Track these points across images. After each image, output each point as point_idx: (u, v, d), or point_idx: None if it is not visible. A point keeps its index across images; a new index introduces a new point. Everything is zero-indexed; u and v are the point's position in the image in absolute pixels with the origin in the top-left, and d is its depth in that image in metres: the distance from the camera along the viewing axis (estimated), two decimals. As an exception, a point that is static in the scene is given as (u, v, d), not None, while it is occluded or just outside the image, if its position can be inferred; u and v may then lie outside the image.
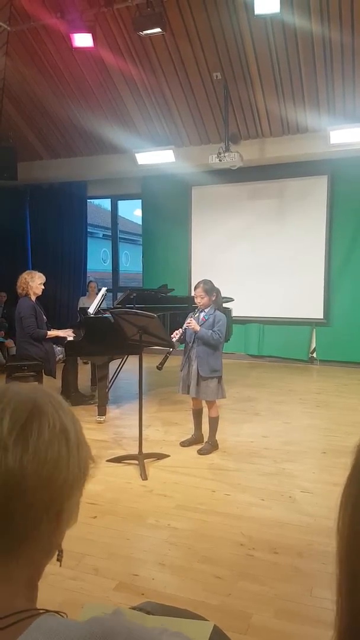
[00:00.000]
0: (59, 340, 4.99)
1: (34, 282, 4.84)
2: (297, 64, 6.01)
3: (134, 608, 0.96)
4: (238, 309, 6.30)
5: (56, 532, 0.62)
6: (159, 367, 3.61)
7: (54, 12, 5.96)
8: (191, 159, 7.32)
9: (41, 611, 0.57)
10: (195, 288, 3.97)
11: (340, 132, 6.32)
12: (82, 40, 5.66)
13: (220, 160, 6.38)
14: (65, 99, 7.28)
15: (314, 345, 7.64)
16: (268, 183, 7.62)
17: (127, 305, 5.09)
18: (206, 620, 0.95)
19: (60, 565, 0.66)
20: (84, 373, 6.00)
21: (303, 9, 5.39)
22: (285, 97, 6.42)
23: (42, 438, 0.59)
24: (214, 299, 3.95)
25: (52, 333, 4.88)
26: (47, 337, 4.81)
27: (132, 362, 5.25)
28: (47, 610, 0.57)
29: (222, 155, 6.36)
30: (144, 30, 5.40)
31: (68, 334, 4.95)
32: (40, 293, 4.92)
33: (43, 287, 4.93)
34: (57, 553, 0.65)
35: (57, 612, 0.58)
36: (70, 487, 0.61)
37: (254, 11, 5.00)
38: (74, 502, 0.64)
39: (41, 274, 4.93)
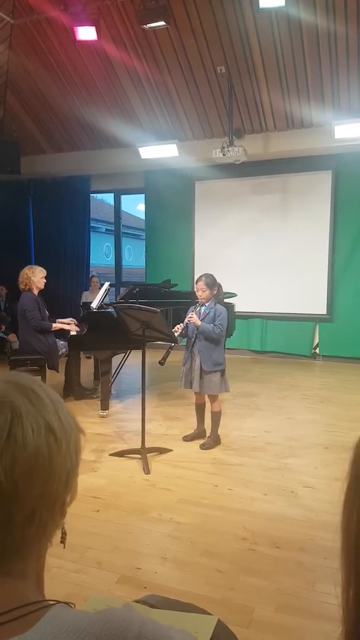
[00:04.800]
0: (62, 334, 5.00)
1: (36, 277, 4.85)
2: (301, 58, 5.97)
3: (137, 601, 0.97)
4: (241, 304, 6.30)
5: (61, 519, 0.63)
6: (162, 362, 3.62)
7: (57, 4, 5.91)
8: (195, 154, 7.28)
9: (51, 602, 0.57)
10: (197, 282, 3.97)
11: (344, 126, 6.26)
12: (86, 33, 5.63)
13: (224, 155, 6.34)
14: (69, 92, 7.25)
15: (317, 341, 7.63)
16: (272, 178, 7.58)
17: (130, 300, 5.09)
18: (210, 614, 0.96)
19: (64, 547, 0.66)
20: (87, 367, 6.01)
21: (308, 3, 5.34)
22: (289, 91, 6.38)
23: (29, 446, 0.56)
24: (215, 293, 3.95)
25: (57, 325, 4.89)
26: (52, 329, 4.82)
27: (134, 356, 5.26)
28: (58, 601, 0.58)
29: (226, 149, 6.32)
30: (148, 23, 5.37)
31: (71, 325, 4.96)
32: (42, 287, 4.93)
33: (45, 280, 4.94)
34: (61, 535, 0.65)
35: (67, 603, 0.59)
36: (67, 476, 0.61)
37: (258, 5, 4.96)
38: (74, 485, 0.63)
39: (42, 268, 4.94)
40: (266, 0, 4.88)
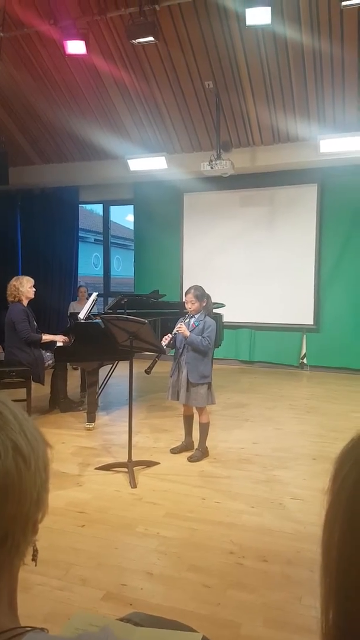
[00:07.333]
0: (48, 345, 4.96)
1: (24, 287, 4.81)
2: (287, 74, 6.08)
3: (121, 619, 0.95)
4: (229, 315, 6.32)
5: (33, 537, 0.61)
6: (147, 372, 3.61)
7: (47, 19, 5.97)
8: (183, 166, 7.35)
9: (27, 629, 0.56)
10: (186, 294, 3.98)
11: (329, 141, 6.39)
12: (75, 47, 5.67)
13: (211, 168, 6.41)
14: (58, 105, 7.28)
15: (304, 351, 7.68)
16: (259, 191, 7.67)
17: (118, 311, 5.08)
18: (195, 631, 0.94)
19: (36, 565, 0.64)
20: (74, 379, 5.95)
21: (294, 21, 5.47)
22: (276, 106, 6.49)
23: None
24: (204, 305, 3.96)
25: (47, 337, 4.84)
26: (42, 341, 4.78)
27: (122, 368, 5.23)
28: (34, 628, 0.56)
29: (214, 162, 6.39)
30: (137, 38, 5.42)
31: (63, 340, 4.92)
32: (32, 296, 4.90)
33: (34, 289, 4.91)
34: (32, 553, 0.63)
35: (41, 629, 0.57)
36: (38, 495, 0.60)
37: (245, 22, 5.05)
38: (45, 502, 0.62)
39: (29, 277, 4.91)
40: (253, 17, 4.97)
